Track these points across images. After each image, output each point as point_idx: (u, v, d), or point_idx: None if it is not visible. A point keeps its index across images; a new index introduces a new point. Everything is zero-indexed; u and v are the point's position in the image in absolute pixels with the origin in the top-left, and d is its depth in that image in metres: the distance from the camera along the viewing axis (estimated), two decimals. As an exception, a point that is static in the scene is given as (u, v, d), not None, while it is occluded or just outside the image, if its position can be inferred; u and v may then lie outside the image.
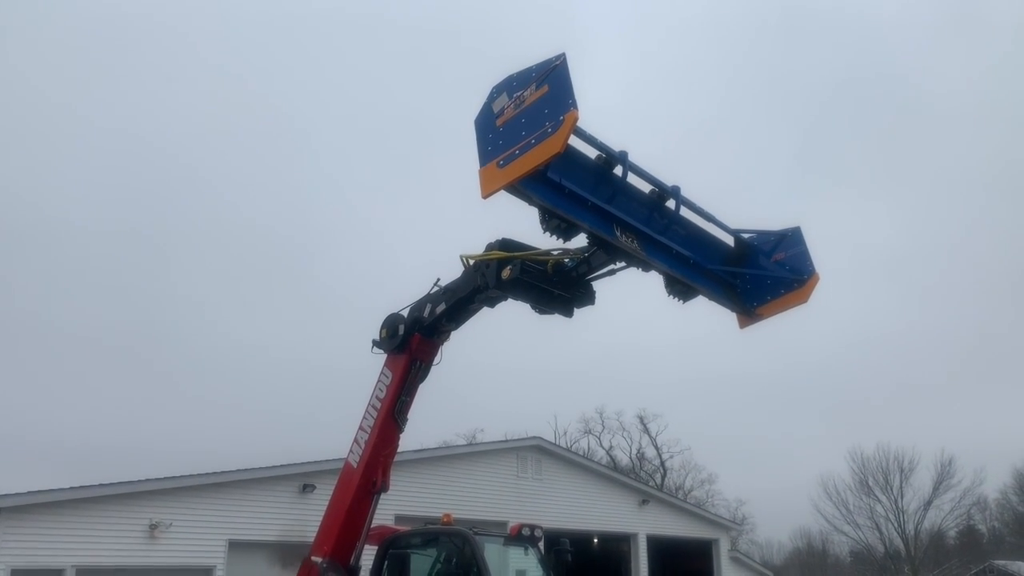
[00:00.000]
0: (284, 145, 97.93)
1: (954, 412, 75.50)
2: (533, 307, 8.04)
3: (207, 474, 17.38)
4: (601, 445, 60.45)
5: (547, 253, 7.73)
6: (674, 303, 7.96)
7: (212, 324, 76.30)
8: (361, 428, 9.34)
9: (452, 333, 9.23)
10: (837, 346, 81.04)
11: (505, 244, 7.85)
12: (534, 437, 25.27)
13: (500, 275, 7.61)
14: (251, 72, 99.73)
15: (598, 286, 8.14)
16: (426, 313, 8.89)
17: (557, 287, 7.80)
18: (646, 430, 60.22)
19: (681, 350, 77.92)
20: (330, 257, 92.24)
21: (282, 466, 18.56)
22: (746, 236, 8.36)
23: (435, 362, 9.38)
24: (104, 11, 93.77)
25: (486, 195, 6.18)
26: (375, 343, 9.52)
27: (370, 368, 9.66)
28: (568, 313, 8.10)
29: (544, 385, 73.87)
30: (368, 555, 9.51)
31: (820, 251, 8.03)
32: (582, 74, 5.95)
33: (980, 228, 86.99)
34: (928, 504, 55.20)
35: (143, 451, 46.62)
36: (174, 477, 16.86)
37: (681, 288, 7.85)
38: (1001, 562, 55.90)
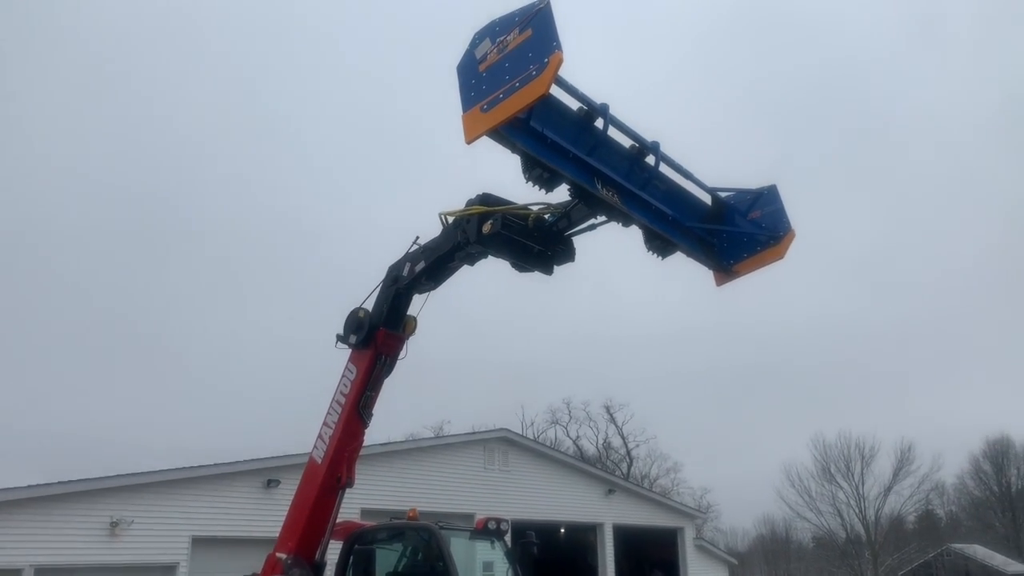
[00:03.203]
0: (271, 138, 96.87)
1: (913, 400, 77.36)
2: (513, 265, 7.93)
3: (169, 470, 17.01)
4: (568, 435, 60.74)
5: (527, 207, 7.64)
6: (652, 259, 7.90)
7: (179, 320, 75.15)
8: (325, 424, 9.11)
9: (417, 328, 9.09)
10: (801, 336, 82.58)
11: (485, 198, 7.73)
12: (501, 429, 25.16)
13: (481, 229, 7.49)
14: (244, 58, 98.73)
15: (577, 243, 8.05)
16: (405, 272, 8.71)
17: (538, 242, 7.70)
18: (612, 419, 60.68)
19: (648, 341, 78.50)
20: (312, 254, 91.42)
21: (246, 461, 18.27)
22: (723, 194, 8.35)
23: (400, 356, 9.19)
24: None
25: (469, 140, 6.04)
26: (339, 338, 9.28)
27: (335, 362, 9.44)
28: (548, 270, 7.99)
29: (511, 377, 73.66)
30: (333, 550, 9.30)
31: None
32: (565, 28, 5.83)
33: (941, 228, 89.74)
34: (888, 490, 56.45)
35: (104, 446, 45.30)
36: (135, 474, 16.50)
37: (660, 243, 7.80)
38: (958, 546, 57.29)
